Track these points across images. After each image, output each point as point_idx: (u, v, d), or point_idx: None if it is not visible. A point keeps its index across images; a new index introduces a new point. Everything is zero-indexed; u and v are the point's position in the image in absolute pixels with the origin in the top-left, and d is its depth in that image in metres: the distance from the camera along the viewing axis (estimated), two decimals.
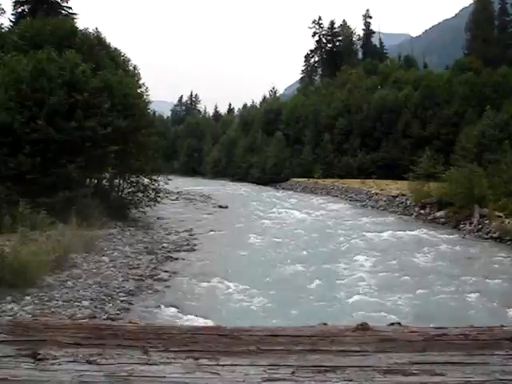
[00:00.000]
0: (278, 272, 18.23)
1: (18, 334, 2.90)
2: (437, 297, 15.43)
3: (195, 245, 23.12)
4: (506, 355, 2.78)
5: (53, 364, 2.59)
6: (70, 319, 9.90)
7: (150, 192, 30.89)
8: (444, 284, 16.74)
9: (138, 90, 32.33)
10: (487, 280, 17.28)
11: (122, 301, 14.06)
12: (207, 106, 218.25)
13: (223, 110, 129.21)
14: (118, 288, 15.12)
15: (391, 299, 15.06)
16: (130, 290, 15.09)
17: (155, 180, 31.13)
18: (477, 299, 15.05)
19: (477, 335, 3.00)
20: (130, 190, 30.97)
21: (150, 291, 15.47)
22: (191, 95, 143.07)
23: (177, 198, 44.90)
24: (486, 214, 28.14)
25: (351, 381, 2.53)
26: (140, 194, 30.66)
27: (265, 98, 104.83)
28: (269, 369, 2.59)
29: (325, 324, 3.11)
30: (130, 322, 2.96)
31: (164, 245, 22.45)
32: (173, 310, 13.64)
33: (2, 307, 12.20)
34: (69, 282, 15.02)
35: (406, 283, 16.98)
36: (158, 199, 31.50)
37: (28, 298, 13.15)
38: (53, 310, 12.46)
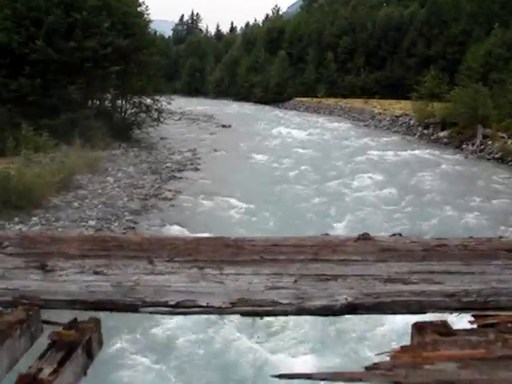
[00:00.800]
0: (282, 190, 18.35)
1: (25, 247, 2.97)
2: (437, 214, 15.57)
3: (199, 164, 23.17)
4: (503, 265, 2.84)
5: (61, 275, 2.66)
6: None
7: (153, 112, 30.67)
8: (445, 202, 16.85)
9: (138, 9, 31.49)
10: (488, 199, 17.38)
11: (127, 220, 14.24)
12: (209, 25, 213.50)
13: (225, 29, 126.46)
14: (124, 207, 15.28)
15: (392, 215, 15.23)
16: (135, 210, 15.25)
17: (157, 100, 30.81)
18: (476, 217, 15.19)
19: (475, 246, 3.06)
20: (132, 111, 30.73)
21: (154, 210, 15.63)
22: (192, 14, 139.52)
23: (180, 118, 44.63)
24: (489, 134, 28.00)
25: (352, 289, 2.59)
26: (143, 115, 30.44)
27: (267, 16, 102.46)
28: (272, 277, 2.65)
29: (326, 234, 3.16)
30: (135, 234, 3.02)
31: (168, 164, 22.49)
32: (177, 227, 13.81)
33: (11, 228, 12.38)
34: (75, 203, 15.16)
35: (408, 201, 17.10)
36: (161, 119, 31.31)
37: (35, 218, 13.33)
38: (60, 229, 12.64)
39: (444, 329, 2.35)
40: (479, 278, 2.68)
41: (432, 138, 33.04)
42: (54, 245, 2.94)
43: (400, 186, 19.29)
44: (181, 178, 20.24)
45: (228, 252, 2.86)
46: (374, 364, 2.07)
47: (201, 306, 2.38)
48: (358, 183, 19.60)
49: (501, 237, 3.30)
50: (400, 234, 3.12)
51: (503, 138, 26.95)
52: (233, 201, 16.50)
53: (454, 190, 18.76)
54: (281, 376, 2.11)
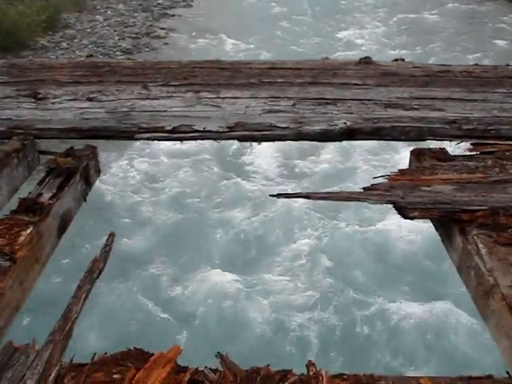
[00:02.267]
0: (278, 27, 17.72)
1: (15, 75, 2.86)
2: (439, 52, 15.30)
3: (192, 1, 22.20)
4: (507, 93, 2.78)
5: (54, 103, 2.59)
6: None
7: None
8: (448, 42, 16.45)
9: None
10: (493, 40, 16.91)
11: (119, 60, 13.92)
12: None
13: None
14: (115, 47, 14.89)
15: (393, 50, 14.90)
16: (127, 49, 14.86)
17: None
18: (479, 58, 14.86)
19: (480, 73, 2.97)
20: None
21: (146, 49, 15.27)
22: None
23: None
24: None
25: (351, 114, 2.54)
26: None
27: None
28: (270, 101, 2.59)
29: (327, 58, 3.06)
30: (128, 59, 2.91)
31: (159, 1, 21.50)
32: None
33: None
34: (63, 43, 14.74)
35: (409, 40, 16.68)
36: None
37: None
38: None
39: (442, 155, 2.35)
40: (481, 105, 2.63)
41: None
42: (45, 72, 2.84)
43: (401, 24, 18.68)
44: (173, 15, 19.50)
45: (224, 75, 2.78)
46: (372, 185, 2.08)
47: (198, 131, 2.34)
48: (357, 21, 18.96)
49: (508, 64, 3.21)
50: (402, 59, 3.03)
51: None
52: (227, 38, 16.06)
53: (458, 30, 18.19)
54: (278, 195, 2.12)
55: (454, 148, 2.56)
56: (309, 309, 6.96)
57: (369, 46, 15.75)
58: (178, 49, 15.30)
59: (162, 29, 17.32)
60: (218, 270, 7.50)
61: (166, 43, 15.93)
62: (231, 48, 15.30)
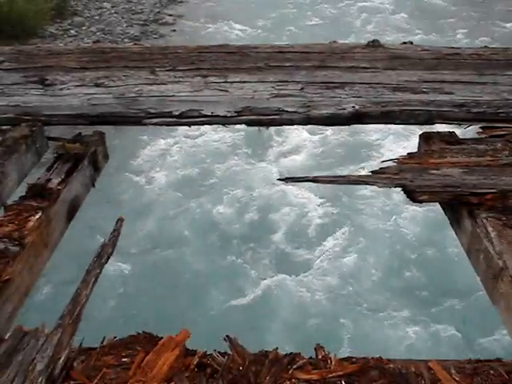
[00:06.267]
0: (288, 13, 17.64)
1: (23, 62, 2.87)
2: (448, 36, 15.15)
3: None
4: None
5: (61, 89, 2.60)
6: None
7: None
8: (457, 25, 16.28)
9: None
10: (502, 24, 16.73)
11: None
12: None
13: None
14: (123, 34, 14.83)
15: (402, 35, 14.80)
16: (135, 36, 14.77)
17: None
18: (488, 42, 14.74)
19: (490, 55, 2.95)
20: None
21: (155, 36, 15.18)
22: None
23: None
24: None
25: (360, 97, 2.53)
26: None
27: None
28: (277, 85, 2.59)
29: (334, 42, 3.05)
30: (135, 44, 2.92)
31: None
32: None
33: None
34: (71, 31, 14.69)
35: (418, 24, 16.52)
36: None
37: None
38: None
39: (451, 138, 2.35)
40: (491, 88, 2.62)
41: None
42: (52, 58, 2.85)
43: (409, 7, 18.45)
44: (182, 1, 19.33)
45: (232, 59, 2.78)
46: (381, 168, 2.08)
47: (205, 116, 2.35)
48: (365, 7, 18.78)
49: None
50: (411, 42, 3.02)
51: None
52: (237, 25, 15.92)
53: (466, 13, 17.97)
54: (286, 179, 2.14)
55: (464, 132, 2.55)
56: None
57: (377, 29, 15.68)
58: (186, 35, 15.23)
59: (170, 15, 17.18)
60: None
61: (174, 30, 15.83)
62: (240, 34, 15.21)
